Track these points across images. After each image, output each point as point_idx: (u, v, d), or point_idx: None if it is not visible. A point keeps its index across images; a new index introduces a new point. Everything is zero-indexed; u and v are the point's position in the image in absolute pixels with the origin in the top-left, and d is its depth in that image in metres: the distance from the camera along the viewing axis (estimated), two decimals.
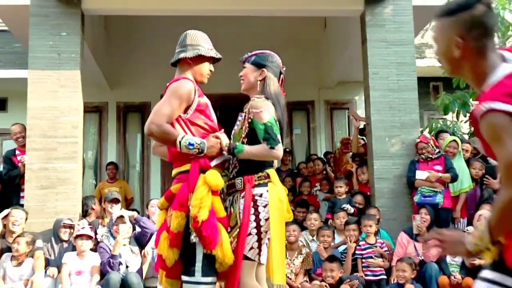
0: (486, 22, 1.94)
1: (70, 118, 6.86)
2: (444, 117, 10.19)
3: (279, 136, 3.27)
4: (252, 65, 3.47)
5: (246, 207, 3.22)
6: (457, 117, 9.54)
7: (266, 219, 3.23)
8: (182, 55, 3.39)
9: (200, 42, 3.43)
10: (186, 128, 3.29)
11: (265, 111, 3.28)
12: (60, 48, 6.92)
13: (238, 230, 3.24)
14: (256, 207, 3.23)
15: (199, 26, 10.48)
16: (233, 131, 3.47)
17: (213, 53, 3.46)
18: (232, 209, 3.33)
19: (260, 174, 3.30)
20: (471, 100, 9.52)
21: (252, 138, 3.31)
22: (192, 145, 3.19)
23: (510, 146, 1.74)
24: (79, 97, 6.98)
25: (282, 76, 3.54)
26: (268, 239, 3.28)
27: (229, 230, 3.27)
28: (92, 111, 10.15)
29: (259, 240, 3.24)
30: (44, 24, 6.93)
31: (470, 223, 6.59)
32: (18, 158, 6.99)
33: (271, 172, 3.36)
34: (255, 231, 3.22)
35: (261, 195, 3.25)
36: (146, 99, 10.26)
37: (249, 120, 3.31)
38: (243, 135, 3.35)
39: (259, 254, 3.27)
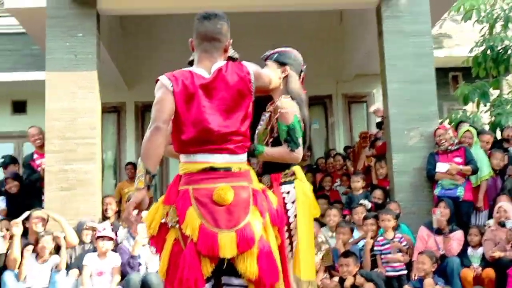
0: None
1: (88, 119, 6.89)
2: (464, 107, 10.06)
3: (300, 140, 3.28)
4: (275, 63, 3.46)
5: (270, 206, 3.17)
6: (477, 107, 9.42)
7: (295, 216, 3.27)
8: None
9: None
10: None
11: (290, 112, 3.29)
12: (76, 49, 6.94)
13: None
14: (284, 204, 3.26)
15: None
16: (257, 131, 3.48)
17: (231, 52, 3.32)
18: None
19: (286, 171, 3.34)
20: (490, 89, 9.40)
21: (277, 138, 3.35)
22: None
23: None
24: (97, 98, 7.01)
25: (302, 74, 3.54)
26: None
27: None
28: (110, 111, 10.20)
29: (290, 237, 3.27)
30: (60, 26, 6.96)
31: (491, 215, 6.49)
32: (37, 162, 7.05)
33: (297, 169, 3.39)
34: (285, 228, 3.23)
35: (288, 192, 3.30)
36: None
37: (276, 120, 3.33)
38: (268, 135, 3.38)
39: (291, 251, 3.30)
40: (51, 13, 7.00)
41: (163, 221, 2.83)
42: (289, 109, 3.29)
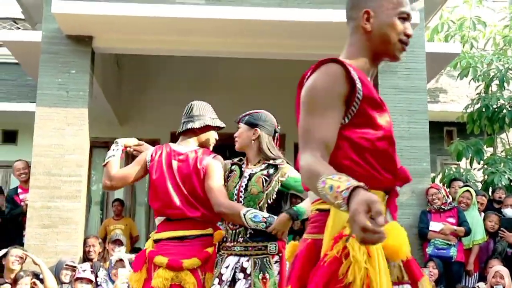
0: None
1: (76, 156, 6.79)
2: (458, 163, 10.02)
3: None
4: (246, 125, 3.49)
5: (283, 275, 3.20)
6: (471, 164, 9.38)
7: None
8: (189, 126, 3.59)
9: (205, 112, 3.64)
10: None
11: (293, 171, 3.32)
12: (68, 85, 6.90)
13: None
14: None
15: (210, 67, 10.63)
16: (246, 193, 3.38)
17: (218, 122, 3.66)
18: (266, 274, 3.23)
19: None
20: (484, 147, 9.37)
21: (276, 200, 3.35)
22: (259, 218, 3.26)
23: None
24: (86, 135, 6.92)
25: (277, 134, 3.53)
26: None
27: None
28: (101, 146, 10.09)
29: None
30: (53, 61, 6.93)
31: (482, 277, 6.37)
32: (21, 197, 6.93)
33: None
34: None
35: None
36: (156, 136, 10.18)
37: (280, 181, 3.34)
38: (270, 199, 3.33)
39: None
40: (45, 48, 6.97)
41: None
42: (293, 171, 3.32)
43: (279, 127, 3.54)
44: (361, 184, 1.62)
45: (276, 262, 3.23)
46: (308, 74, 2.04)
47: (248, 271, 3.22)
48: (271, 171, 3.36)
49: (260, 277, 3.18)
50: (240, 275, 3.24)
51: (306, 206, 3.22)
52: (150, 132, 10.14)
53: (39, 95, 6.91)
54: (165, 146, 3.66)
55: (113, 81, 9.54)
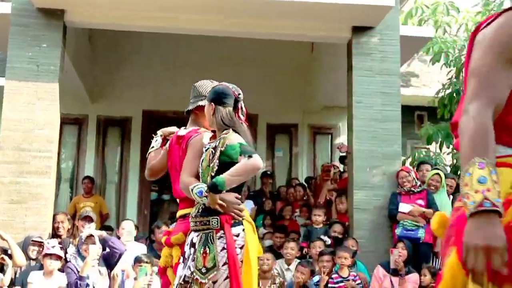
0: None
1: (46, 131, 6.68)
2: (428, 147, 10.14)
3: (253, 150, 3.26)
4: (207, 102, 3.47)
5: (231, 250, 3.12)
6: (440, 148, 9.50)
7: (242, 261, 3.15)
8: (187, 109, 3.71)
9: (204, 91, 3.66)
10: None
11: (234, 138, 3.25)
12: (39, 59, 6.76)
13: (216, 272, 3.12)
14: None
15: (186, 45, 10.54)
16: (200, 169, 3.36)
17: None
18: (207, 248, 3.17)
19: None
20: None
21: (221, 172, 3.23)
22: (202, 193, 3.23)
23: None
24: (56, 110, 6.81)
25: (239, 104, 3.44)
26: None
27: (204, 271, 3.14)
28: (71, 123, 9.98)
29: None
30: (23, 35, 6.78)
31: None
32: None
33: (243, 207, 3.29)
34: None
35: (238, 235, 3.18)
36: (128, 114, 10.12)
37: (221, 151, 3.24)
38: (212, 171, 3.25)
39: None
40: (15, 20, 6.82)
41: None
42: (233, 137, 3.25)
43: (240, 95, 3.45)
44: (501, 209, 1.54)
45: (220, 237, 3.17)
46: (489, 20, 1.87)
47: (196, 246, 3.23)
48: (218, 143, 3.32)
49: (201, 251, 3.18)
50: (191, 250, 3.26)
51: (226, 174, 3.16)
52: (122, 110, 10.05)
53: (8, 69, 6.77)
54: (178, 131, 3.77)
55: (85, 57, 9.38)
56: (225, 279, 3.11)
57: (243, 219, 3.23)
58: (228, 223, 3.18)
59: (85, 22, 7.32)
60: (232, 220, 3.19)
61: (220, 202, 3.15)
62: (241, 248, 3.17)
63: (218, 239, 3.17)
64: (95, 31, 9.33)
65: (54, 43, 6.84)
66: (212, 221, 3.21)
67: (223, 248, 3.14)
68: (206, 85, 3.68)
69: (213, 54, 9.81)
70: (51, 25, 6.84)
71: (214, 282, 3.11)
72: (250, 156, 3.15)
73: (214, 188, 3.13)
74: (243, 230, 3.20)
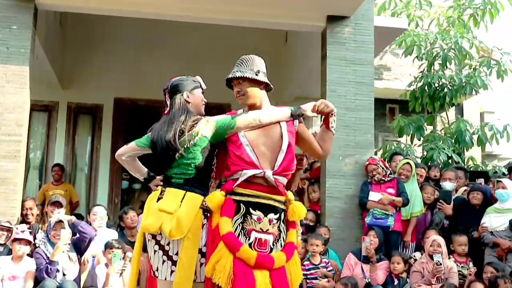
0: None
1: (15, 115, 6.55)
2: (399, 139, 10.26)
3: None
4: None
5: None
6: (411, 140, 9.62)
7: None
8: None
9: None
10: None
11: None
12: (9, 41, 6.62)
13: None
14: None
15: (160, 32, 10.42)
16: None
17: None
18: None
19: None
20: (425, 124, 9.62)
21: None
22: None
23: None
24: (26, 94, 6.67)
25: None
26: None
27: None
28: (41, 110, 9.83)
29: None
30: None
31: (418, 247, 6.55)
32: None
33: None
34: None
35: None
36: (99, 101, 9.99)
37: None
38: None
39: None
40: None
41: None
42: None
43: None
44: None
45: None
46: None
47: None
48: None
49: None
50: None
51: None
52: (93, 97, 9.93)
53: None
54: None
55: (56, 42, 9.22)
56: None
57: None
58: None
59: (57, 4, 7.16)
60: None
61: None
62: None
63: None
64: (67, 15, 9.18)
65: (24, 25, 6.69)
66: None
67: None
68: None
69: (188, 42, 9.75)
70: (21, 6, 6.69)
71: None
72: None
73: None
74: None
